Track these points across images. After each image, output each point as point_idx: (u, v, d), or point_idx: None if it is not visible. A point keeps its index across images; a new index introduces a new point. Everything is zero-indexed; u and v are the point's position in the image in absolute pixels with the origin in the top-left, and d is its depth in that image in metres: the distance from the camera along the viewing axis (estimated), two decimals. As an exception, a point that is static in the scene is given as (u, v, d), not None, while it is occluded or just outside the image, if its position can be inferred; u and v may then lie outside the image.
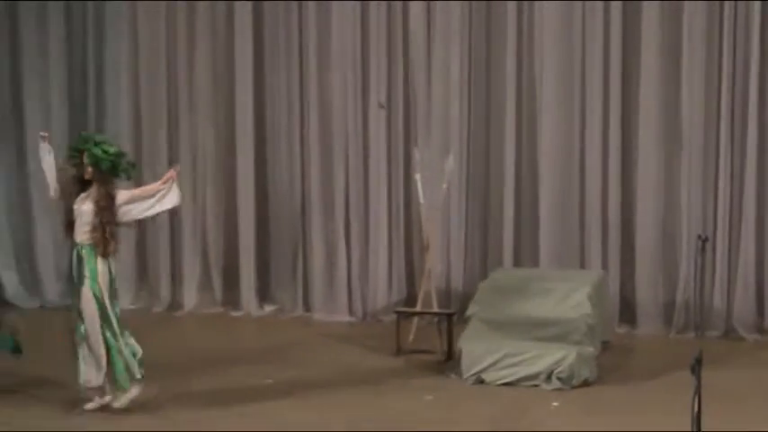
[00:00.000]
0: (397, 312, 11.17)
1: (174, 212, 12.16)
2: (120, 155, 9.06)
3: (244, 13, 12.37)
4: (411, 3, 12.10)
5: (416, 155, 11.46)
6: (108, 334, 8.91)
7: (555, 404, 9.31)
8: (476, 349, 9.90)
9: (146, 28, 12.58)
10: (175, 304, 12.55)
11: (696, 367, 5.72)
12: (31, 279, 12.93)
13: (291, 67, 12.32)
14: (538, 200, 11.84)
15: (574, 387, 9.60)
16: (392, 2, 12.17)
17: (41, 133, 9.35)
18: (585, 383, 9.69)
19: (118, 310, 9.00)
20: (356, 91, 12.19)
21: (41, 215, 12.75)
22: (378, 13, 12.13)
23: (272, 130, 12.51)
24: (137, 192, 9.12)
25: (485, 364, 9.81)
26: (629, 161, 11.71)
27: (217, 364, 10.56)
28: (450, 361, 10.35)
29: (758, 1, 11.35)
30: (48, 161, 9.07)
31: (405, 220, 12.12)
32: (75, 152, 9.02)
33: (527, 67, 11.92)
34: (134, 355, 9.04)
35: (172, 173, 9.16)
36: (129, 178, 9.22)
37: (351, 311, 12.22)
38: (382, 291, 12.17)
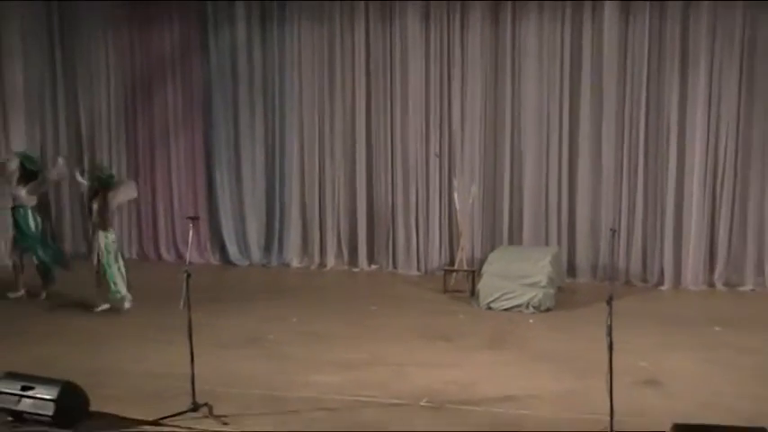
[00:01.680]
0: (444, 270, 11.32)
1: (321, 211, 12.53)
2: (111, 176, 10.13)
3: (360, 95, 12.15)
4: (452, 85, 11.80)
5: (455, 182, 11.63)
6: (108, 268, 9.69)
7: (531, 321, 9.62)
8: (487, 290, 10.10)
9: (308, 102, 12.48)
10: (322, 264, 12.49)
11: (610, 300, 5.87)
12: (244, 247, 12.80)
13: (387, 132, 12.14)
14: (522, 207, 11.76)
15: (542, 311, 9.88)
16: (442, 93, 11.86)
17: (61, 157, 10.78)
18: (548, 309, 9.95)
19: (110, 259, 9.69)
20: (423, 144, 12.04)
21: (250, 208, 12.75)
22: (435, 89, 11.87)
23: (376, 164, 12.25)
24: (117, 196, 9.89)
25: (492, 298, 10.04)
26: (574, 184, 11.57)
27: (345, 298, 10.77)
28: (473, 296, 10.42)
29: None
30: (78, 177, 10.26)
31: (448, 219, 11.97)
32: (90, 175, 10.18)
33: (516, 129, 11.65)
34: (115, 284, 9.72)
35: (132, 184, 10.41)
36: (116, 188, 9.91)
37: (419, 269, 12.12)
38: (436, 257, 12.06)
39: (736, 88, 10.86)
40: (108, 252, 9.73)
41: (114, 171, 12.99)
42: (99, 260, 9.75)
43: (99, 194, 9.78)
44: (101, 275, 9.77)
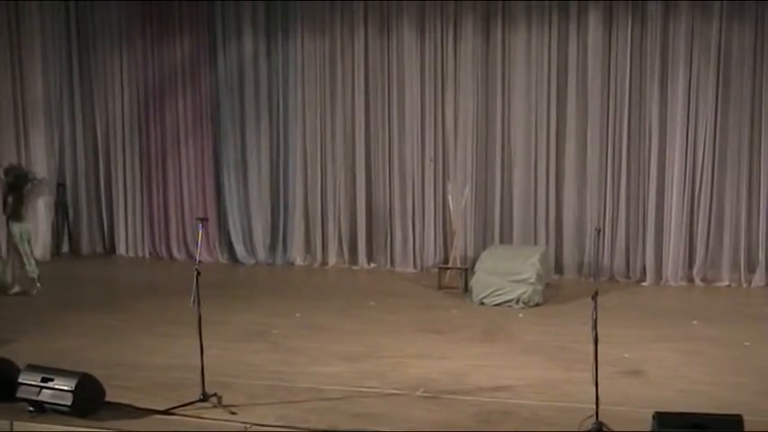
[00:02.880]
0: (439, 267, 11.22)
1: (323, 213, 12.44)
2: (26, 174, 10.66)
3: (359, 103, 12.15)
4: (446, 95, 11.78)
5: (449, 186, 11.64)
6: (23, 253, 10.27)
7: (520, 315, 9.59)
8: (480, 286, 10.09)
9: (312, 119, 12.46)
10: (324, 262, 12.42)
11: (594, 295, 5.87)
12: (250, 247, 12.72)
13: (385, 138, 12.13)
14: (512, 208, 11.73)
15: (531, 307, 9.85)
16: (436, 101, 11.85)
17: None
18: (537, 305, 9.93)
19: (26, 245, 10.27)
20: (418, 149, 12.01)
21: (256, 210, 12.70)
22: (430, 98, 11.84)
23: (374, 168, 12.22)
24: (30, 192, 10.63)
25: (484, 293, 10.01)
26: (560, 186, 11.54)
27: (345, 293, 10.72)
28: (466, 292, 10.44)
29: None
30: None
31: (442, 220, 11.90)
32: (7, 172, 10.51)
33: (506, 135, 11.64)
34: (31, 269, 10.28)
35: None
36: (30, 189, 10.54)
37: (415, 266, 12.09)
38: (431, 255, 12.01)
39: (712, 96, 10.87)
40: (23, 240, 10.27)
41: (127, 174, 13.31)
42: (16, 247, 10.27)
43: (15, 189, 10.33)
44: (21, 261, 10.28)
